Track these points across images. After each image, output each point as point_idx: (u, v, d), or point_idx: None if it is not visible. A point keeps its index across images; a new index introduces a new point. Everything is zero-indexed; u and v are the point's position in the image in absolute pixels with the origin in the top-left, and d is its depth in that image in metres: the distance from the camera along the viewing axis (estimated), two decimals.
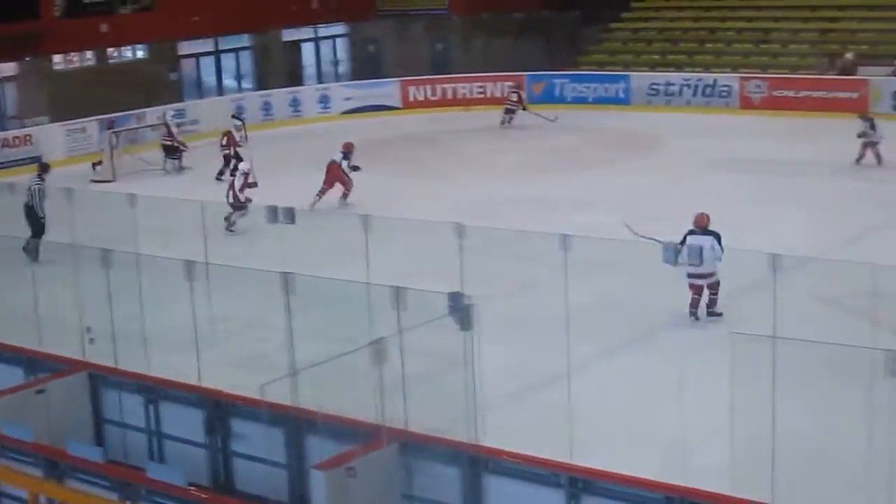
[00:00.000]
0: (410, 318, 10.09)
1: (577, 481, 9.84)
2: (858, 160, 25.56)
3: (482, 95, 37.29)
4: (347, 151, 23.58)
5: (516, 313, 15.23)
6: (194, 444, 11.94)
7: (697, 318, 15.46)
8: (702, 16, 40.39)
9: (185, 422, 12.08)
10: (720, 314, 15.53)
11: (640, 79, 36.21)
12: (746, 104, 33.44)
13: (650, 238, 14.59)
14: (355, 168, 23.47)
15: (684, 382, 10.48)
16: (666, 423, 11.10)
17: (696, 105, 34.69)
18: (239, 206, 21.32)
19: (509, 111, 33.19)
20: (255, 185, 21.98)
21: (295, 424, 11.02)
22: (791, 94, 31.67)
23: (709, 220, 15.81)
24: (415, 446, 10.47)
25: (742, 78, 34.94)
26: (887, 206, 21.48)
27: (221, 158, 26.97)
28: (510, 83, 34.74)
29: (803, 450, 10.29)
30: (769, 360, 8.71)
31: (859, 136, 25.48)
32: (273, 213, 14.24)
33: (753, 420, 9.13)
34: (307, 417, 10.76)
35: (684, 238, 15.44)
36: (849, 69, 34.51)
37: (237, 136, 28.16)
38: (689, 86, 35.27)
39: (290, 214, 14.17)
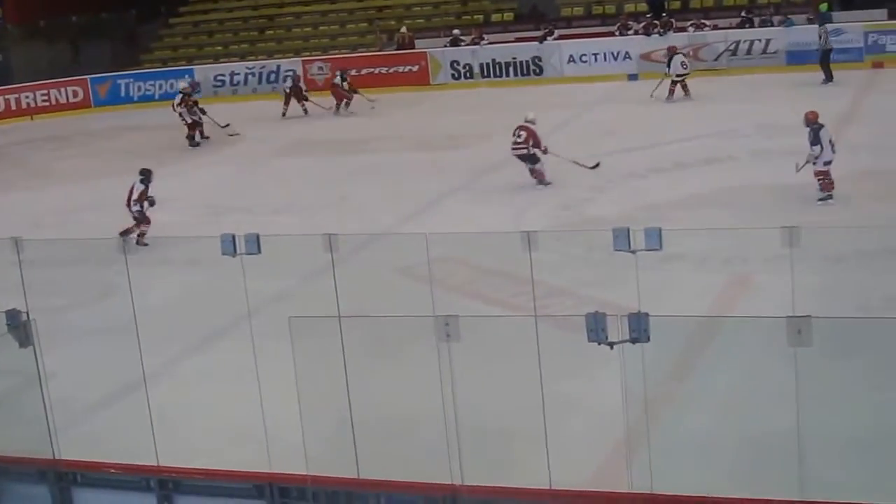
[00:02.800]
0: None
1: (166, 482, 9.77)
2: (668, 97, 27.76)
3: (47, 104, 35.98)
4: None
5: (91, 322, 14.85)
6: None
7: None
8: (260, 3, 40.78)
9: None
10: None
11: (205, 71, 36.06)
12: (312, 86, 34.04)
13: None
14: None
15: (262, 371, 10.57)
16: (247, 413, 11.16)
17: (263, 92, 34.89)
18: None
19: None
20: None
21: None
22: (353, 72, 32.41)
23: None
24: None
25: (304, 61, 35.47)
26: (450, 175, 22.45)
27: None
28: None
29: (378, 423, 10.57)
30: (334, 340, 8.95)
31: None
32: None
33: (323, 400, 9.38)
34: None
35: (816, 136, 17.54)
36: (407, 43, 35.77)
37: None
38: (253, 74, 35.49)
39: None
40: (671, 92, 27.76)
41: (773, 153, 20.52)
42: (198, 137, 28.05)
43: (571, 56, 33.02)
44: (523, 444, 9.95)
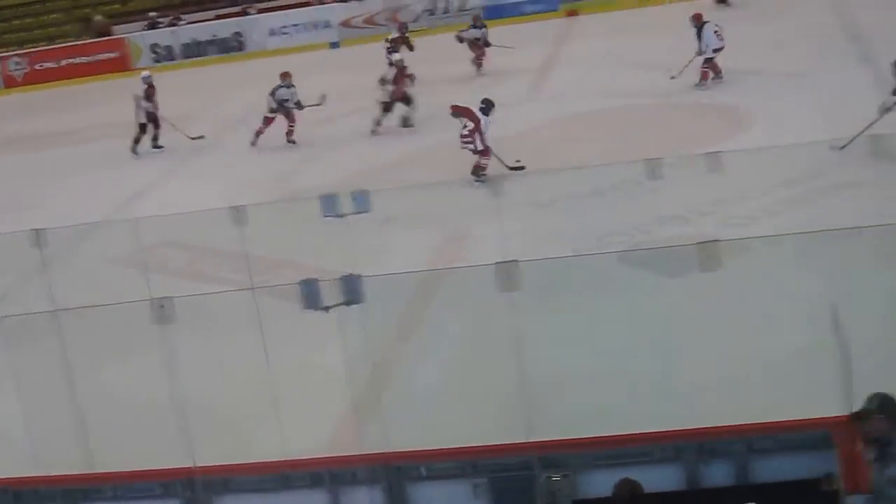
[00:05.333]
0: None
1: None
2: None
3: None
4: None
5: None
6: None
7: None
8: None
9: None
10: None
11: None
12: (10, 83, 32.73)
13: None
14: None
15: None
16: None
17: None
18: None
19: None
20: None
21: None
22: (53, 64, 31.38)
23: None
24: None
25: (2, 57, 34.11)
26: (160, 159, 22.03)
27: None
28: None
29: (106, 414, 10.31)
30: (52, 337, 8.71)
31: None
32: None
33: (47, 399, 9.14)
34: None
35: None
36: (103, 30, 34.82)
37: None
38: None
39: None
40: (705, 75, 20.72)
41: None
42: None
43: (272, 29, 32.84)
44: (255, 418, 9.92)
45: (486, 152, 16.82)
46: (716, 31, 20.33)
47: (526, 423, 8.39)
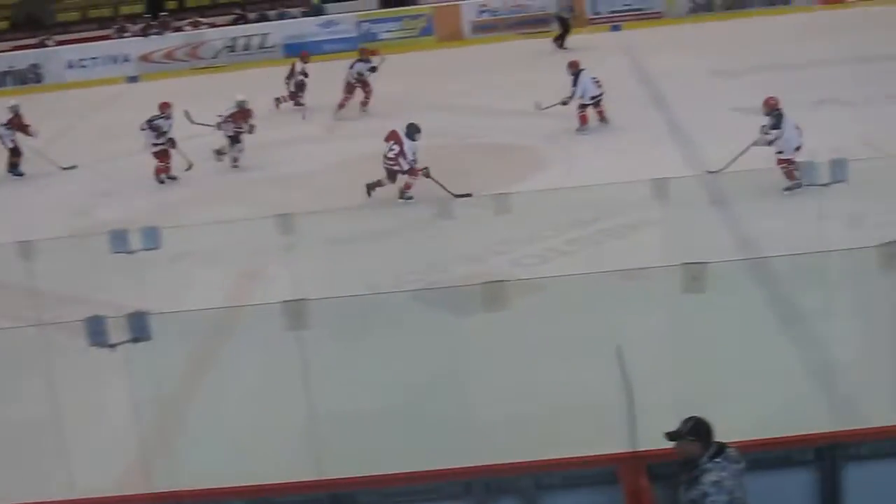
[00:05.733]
0: None
1: None
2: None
3: None
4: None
5: None
6: None
7: None
8: None
9: None
10: None
11: None
12: None
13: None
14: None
15: None
16: None
17: None
18: None
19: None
20: None
21: None
22: None
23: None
24: None
25: None
26: None
27: None
28: None
29: None
30: None
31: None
32: None
33: None
34: None
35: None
36: None
37: None
38: None
39: None
40: (584, 119, 20.58)
41: (272, 145, 21.00)
42: None
43: (70, 61, 32.20)
44: (48, 457, 9.69)
45: (412, 172, 17.19)
46: (594, 79, 20.27)
47: (315, 460, 8.41)
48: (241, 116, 20.09)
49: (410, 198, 17.23)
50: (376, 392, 9.94)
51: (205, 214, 16.98)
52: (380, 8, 33.73)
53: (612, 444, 7.68)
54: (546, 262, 14.10)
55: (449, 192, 16.95)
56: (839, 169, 10.88)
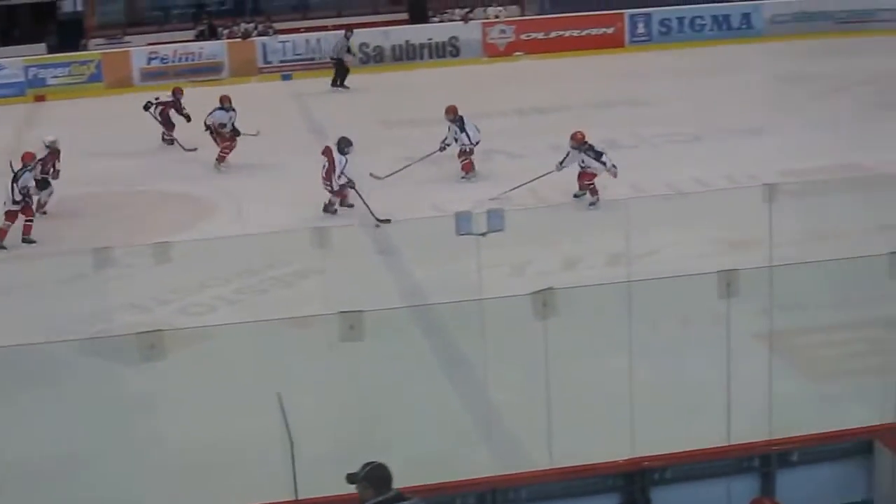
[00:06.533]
0: None
1: None
2: None
3: None
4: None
5: None
6: None
7: None
8: None
9: None
10: None
11: None
12: None
13: None
14: None
15: None
16: None
17: None
18: None
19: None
20: None
21: None
22: None
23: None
24: None
25: None
26: None
27: None
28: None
29: None
30: None
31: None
32: None
33: None
34: None
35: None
36: None
37: None
38: None
39: None
40: (467, 167, 19.95)
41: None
42: None
43: None
44: None
45: (340, 192, 17.71)
46: (475, 125, 19.85)
47: None
48: (51, 158, 19.19)
49: (335, 212, 17.77)
50: (48, 444, 9.69)
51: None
52: (49, 53, 32.62)
53: (278, 493, 7.71)
54: (213, 310, 14.04)
55: (373, 214, 17.28)
56: (496, 219, 11.32)
